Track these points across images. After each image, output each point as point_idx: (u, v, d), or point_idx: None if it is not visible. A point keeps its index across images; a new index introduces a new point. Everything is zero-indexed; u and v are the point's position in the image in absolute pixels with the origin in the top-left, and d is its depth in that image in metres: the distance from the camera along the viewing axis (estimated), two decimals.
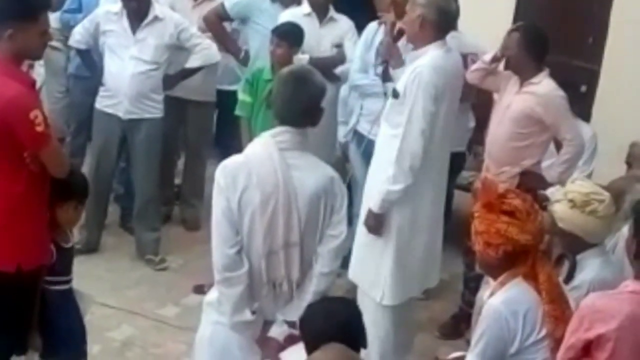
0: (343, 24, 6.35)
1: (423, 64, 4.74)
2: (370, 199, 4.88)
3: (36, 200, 4.08)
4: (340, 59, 6.21)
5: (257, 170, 3.57)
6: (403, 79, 4.81)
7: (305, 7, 6.37)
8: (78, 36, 6.34)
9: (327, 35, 6.35)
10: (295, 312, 3.68)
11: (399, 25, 5.35)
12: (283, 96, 3.67)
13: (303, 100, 3.67)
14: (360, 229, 4.98)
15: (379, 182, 4.82)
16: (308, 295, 3.72)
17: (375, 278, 4.92)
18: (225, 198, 3.60)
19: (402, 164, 4.73)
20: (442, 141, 4.90)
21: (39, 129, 3.88)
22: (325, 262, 3.74)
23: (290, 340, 3.70)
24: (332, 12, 6.39)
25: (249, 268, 3.65)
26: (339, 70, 6.17)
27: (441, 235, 5.16)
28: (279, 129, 3.65)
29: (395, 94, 4.79)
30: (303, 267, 3.67)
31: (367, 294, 4.96)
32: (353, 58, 6.11)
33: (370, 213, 4.84)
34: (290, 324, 3.72)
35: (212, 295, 3.79)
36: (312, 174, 3.67)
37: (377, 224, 4.84)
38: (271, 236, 3.58)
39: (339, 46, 6.25)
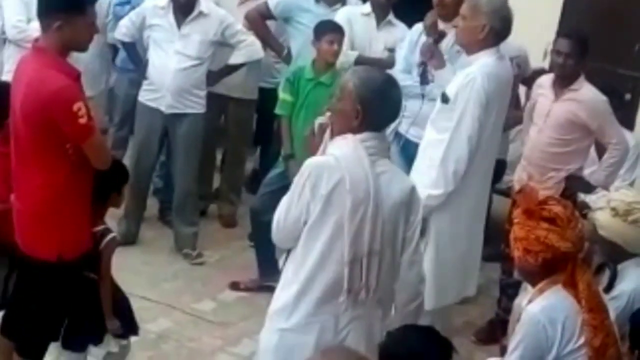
0: (400, 30, 6.31)
1: (476, 70, 4.69)
2: None
3: (78, 190, 4.11)
4: (390, 63, 6.13)
5: (350, 175, 3.50)
6: (454, 84, 4.77)
7: (366, 7, 6.38)
8: (124, 29, 6.39)
9: (381, 38, 6.34)
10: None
11: (441, 27, 5.31)
12: (389, 101, 3.62)
13: (401, 102, 3.71)
14: None
15: (421, 185, 4.79)
16: (409, 307, 3.74)
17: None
18: (308, 191, 3.52)
19: (446, 169, 4.70)
20: (487, 149, 4.85)
21: (82, 121, 3.90)
22: (412, 271, 3.72)
23: None
24: (390, 16, 6.39)
25: (327, 275, 3.57)
26: None
27: (481, 245, 5.12)
28: (367, 134, 3.57)
29: (445, 99, 4.75)
30: (380, 276, 3.61)
31: None
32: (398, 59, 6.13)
33: None
34: None
35: (279, 303, 3.69)
36: (397, 183, 3.63)
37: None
38: (357, 243, 3.52)
39: (392, 50, 6.20)
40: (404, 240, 3.67)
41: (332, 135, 3.66)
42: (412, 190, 3.68)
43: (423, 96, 5.44)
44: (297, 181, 3.58)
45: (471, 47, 4.82)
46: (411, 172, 5.00)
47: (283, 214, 3.61)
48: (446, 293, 5.00)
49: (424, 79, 5.36)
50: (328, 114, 3.72)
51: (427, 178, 4.72)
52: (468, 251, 5.01)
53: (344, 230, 3.51)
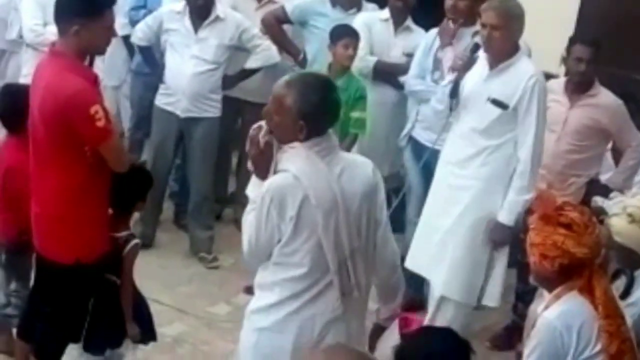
0: (418, 35, 6.30)
1: (535, 73, 4.79)
2: (476, 213, 4.95)
3: (96, 193, 4.13)
4: (408, 68, 6.13)
5: (313, 190, 3.45)
6: (508, 89, 4.80)
7: (384, 13, 6.40)
8: (140, 33, 6.41)
9: (400, 43, 6.36)
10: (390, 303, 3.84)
11: (476, 39, 5.29)
12: (330, 108, 3.56)
13: (340, 103, 3.66)
14: (457, 243, 5.02)
15: (489, 193, 4.89)
16: (389, 282, 3.79)
17: (474, 285, 5.04)
18: (275, 215, 3.47)
19: (534, 172, 4.83)
20: None
21: (99, 124, 3.92)
22: (387, 248, 3.74)
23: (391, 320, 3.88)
24: (408, 22, 6.40)
25: (313, 285, 3.56)
26: (403, 78, 6.15)
27: None
28: (314, 140, 3.50)
29: (503, 105, 4.79)
30: (367, 268, 3.62)
31: (454, 303, 5.08)
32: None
33: (500, 227, 4.91)
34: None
35: (257, 303, 3.69)
36: (358, 174, 3.59)
37: (508, 236, 4.92)
38: (338, 250, 3.50)
39: (410, 56, 6.19)
40: (375, 221, 3.65)
41: (279, 143, 3.57)
42: (374, 173, 3.65)
43: (451, 109, 5.23)
44: (261, 206, 3.49)
45: (507, 53, 4.86)
46: (450, 178, 5.07)
47: (254, 239, 3.56)
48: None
49: (455, 93, 5.13)
50: (263, 122, 3.62)
51: (514, 186, 4.84)
52: None
53: (321, 242, 3.49)
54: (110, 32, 4.08)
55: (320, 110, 3.50)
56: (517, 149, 4.84)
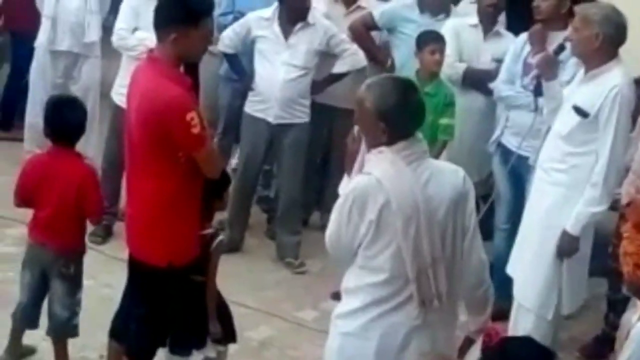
0: (507, 40, 6.26)
1: (621, 83, 4.70)
2: (553, 220, 4.88)
3: (189, 198, 4.18)
4: (498, 74, 6.09)
5: (394, 195, 3.43)
6: (592, 97, 4.74)
7: (473, 18, 6.37)
8: (227, 40, 6.42)
9: (489, 48, 6.32)
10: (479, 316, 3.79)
11: (562, 39, 5.25)
12: (410, 108, 3.53)
13: (423, 103, 3.63)
14: (529, 251, 4.98)
15: (570, 202, 4.82)
16: (475, 294, 3.74)
17: (547, 296, 4.96)
18: (356, 215, 3.48)
19: (608, 184, 4.75)
20: None
21: (195, 130, 3.98)
22: (472, 257, 3.67)
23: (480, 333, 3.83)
24: (498, 27, 6.37)
25: (394, 293, 3.55)
26: (492, 84, 6.12)
27: None
28: (401, 144, 3.49)
29: (584, 114, 4.73)
30: (450, 278, 3.59)
31: (532, 312, 5.01)
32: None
33: (567, 236, 4.84)
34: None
35: (342, 308, 3.70)
36: (447, 181, 3.56)
37: (575, 247, 4.85)
38: (418, 258, 3.47)
39: (499, 61, 6.14)
40: (463, 229, 3.60)
41: (367, 148, 3.60)
42: (464, 180, 3.60)
43: (536, 108, 5.33)
44: (342, 207, 3.52)
45: (591, 58, 4.78)
46: (537, 184, 5.04)
47: (334, 237, 3.59)
48: (582, 293, 5.16)
49: (539, 91, 5.22)
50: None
51: (587, 195, 4.77)
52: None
53: (400, 249, 3.47)
54: (207, 40, 4.15)
55: (399, 110, 3.49)
56: (596, 159, 4.78)
